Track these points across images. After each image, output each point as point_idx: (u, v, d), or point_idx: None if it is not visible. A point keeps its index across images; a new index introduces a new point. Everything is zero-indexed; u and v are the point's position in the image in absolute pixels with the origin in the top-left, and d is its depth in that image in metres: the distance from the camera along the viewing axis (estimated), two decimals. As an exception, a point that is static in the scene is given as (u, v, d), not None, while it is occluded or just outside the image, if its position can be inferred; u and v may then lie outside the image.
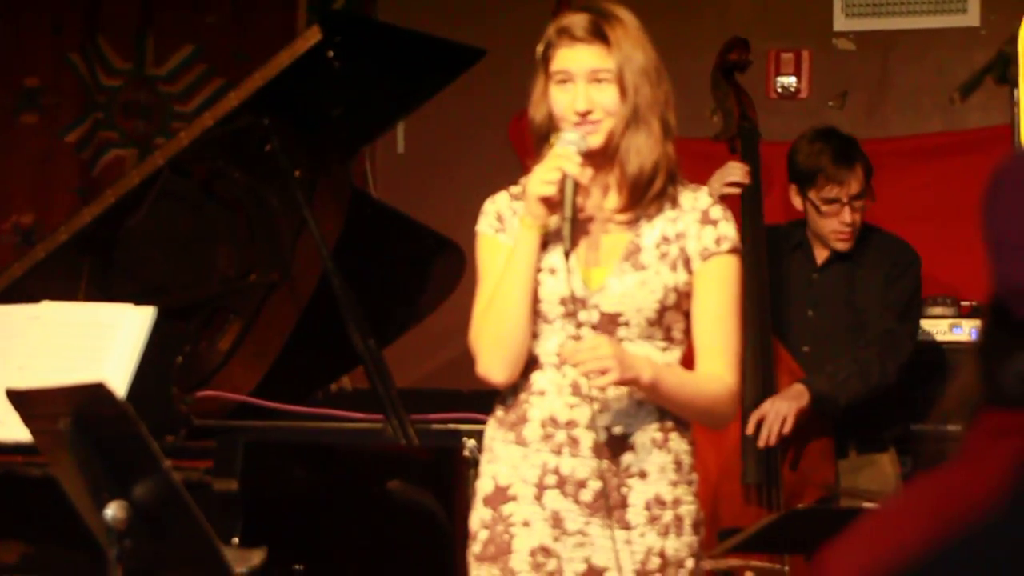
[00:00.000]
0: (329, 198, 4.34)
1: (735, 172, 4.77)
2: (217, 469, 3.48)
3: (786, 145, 4.99)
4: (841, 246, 4.83)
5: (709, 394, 3.21)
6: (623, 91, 3.16)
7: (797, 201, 4.89)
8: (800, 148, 4.88)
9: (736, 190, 4.76)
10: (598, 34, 3.16)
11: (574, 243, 3.15)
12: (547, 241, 3.19)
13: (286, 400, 4.10)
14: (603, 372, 3.05)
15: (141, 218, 4.45)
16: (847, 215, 4.79)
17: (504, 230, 3.27)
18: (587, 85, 3.16)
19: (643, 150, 3.17)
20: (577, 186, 3.13)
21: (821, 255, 4.90)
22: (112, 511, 2.89)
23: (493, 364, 3.21)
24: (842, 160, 4.79)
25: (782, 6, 6.11)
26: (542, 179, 3.14)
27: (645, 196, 3.21)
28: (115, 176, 5.82)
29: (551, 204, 3.15)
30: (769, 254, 4.86)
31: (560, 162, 3.13)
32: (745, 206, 4.78)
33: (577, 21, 3.18)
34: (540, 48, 3.22)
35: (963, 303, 5.28)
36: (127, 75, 6.60)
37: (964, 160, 5.79)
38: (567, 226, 3.12)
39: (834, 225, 4.81)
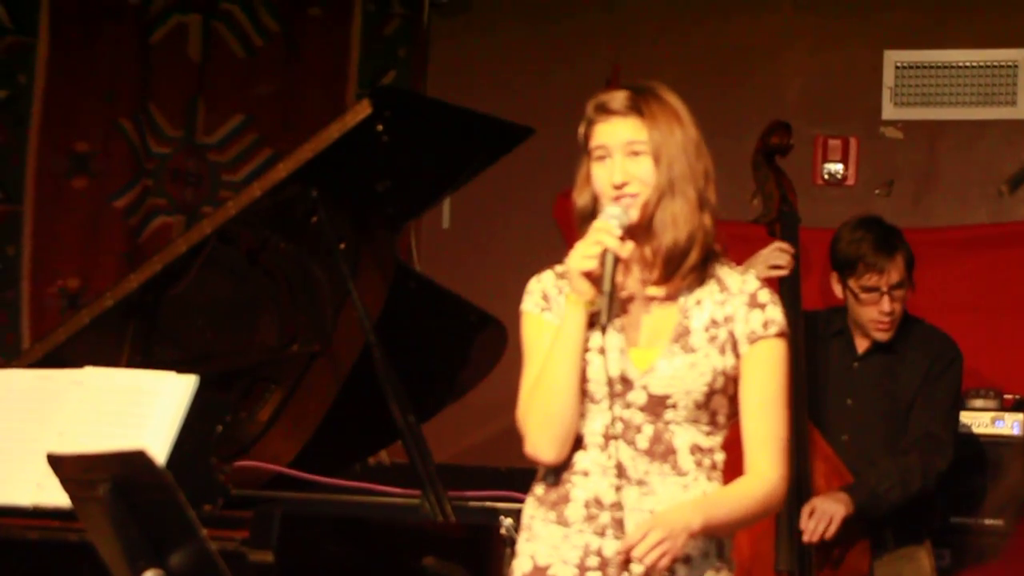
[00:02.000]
0: (373, 271, 4.35)
1: (781, 257, 4.75)
2: (253, 540, 3.48)
3: (831, 232, 4.97)
4: (880, 336, 4.81)
5: (755, 505, 3.18)
6: (658, 162, 3.15)
7: (838, 289, 4.87)
8: (842, 236, 4.86)
9: (780, 272, 4.75)
10: (634, 108, 3.17)
11: (617, 320, 3.15)
12: (594, 321, 3.17)
13: (324, 472, 4.10)
14: (664, 554, 3.04)
15: (186, 286, 4.46)
16: (886, 304, 4.76)
17: (550, 309, 3.25)
18: (624, 158, 3.16)
19: (678, 220, 3.15)
20: (617, 261, 3.12)
21: (862, 344, 4.87)
22: (148, 580, 2.90)
23: (542, 443, 3.19)
24: (883, 248, 4.77)
25: (831, 93, 6.12)
26: (582, 254, 3.13)
27: (680, 268, 3.18)
28: (162, 243, 5.84)
29: (594, 279, 3.13)
30: (807, 340, 4.83)
31: (600, 236, 3.12)
32: (784, 291, 4.76)
33: (615, 97, 3.19)
34: (581, 129, 3.23)
35: (1006, 396, 5.25)
36: (177, 142, 6.64)
37: (1010, 253, 5.77)
38: (605, 301, 3.10)
39: (873, 314, 4.78)
